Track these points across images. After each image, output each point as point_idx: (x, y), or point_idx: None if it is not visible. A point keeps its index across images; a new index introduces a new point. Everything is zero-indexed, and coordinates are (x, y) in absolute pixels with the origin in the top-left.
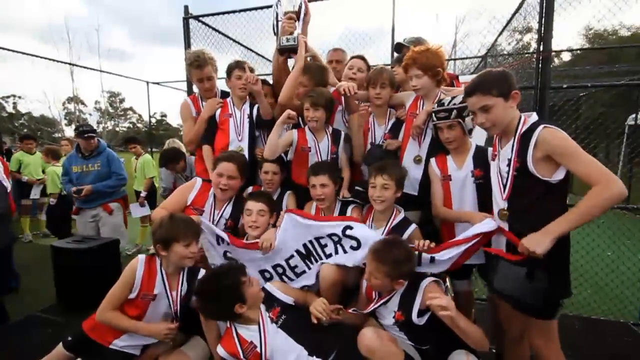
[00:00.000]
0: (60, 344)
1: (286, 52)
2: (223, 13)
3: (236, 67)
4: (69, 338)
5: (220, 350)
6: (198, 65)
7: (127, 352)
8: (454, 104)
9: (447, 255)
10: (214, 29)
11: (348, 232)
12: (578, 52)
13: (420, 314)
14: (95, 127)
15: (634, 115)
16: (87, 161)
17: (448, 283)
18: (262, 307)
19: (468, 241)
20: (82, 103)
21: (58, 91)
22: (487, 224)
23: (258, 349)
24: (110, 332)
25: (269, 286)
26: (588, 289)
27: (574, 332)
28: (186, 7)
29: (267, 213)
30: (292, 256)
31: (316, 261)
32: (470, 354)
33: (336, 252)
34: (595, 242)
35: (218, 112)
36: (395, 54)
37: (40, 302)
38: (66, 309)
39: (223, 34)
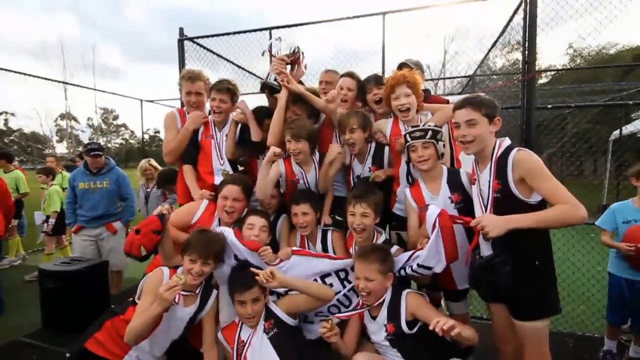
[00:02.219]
0: None
1: (267, 89)
2: (217, 35)
3: (213, 87)
4: (68, 355)
5: (219, 335)
6: (190, 77)
7: None
8: (429, 125)
9: (431, 257)
10: (207, 49)
11: None
12: (561, 71)
13: (409, 324)
14: (99, 144)
15: (617, 132)
16: (96, 178)
17: (443, 305)
18: (263, 315)
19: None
20: (75, 120)
21: (50, 108)
22: (432, 210)
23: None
24: (122, 346)
25: (270, 303)
26: (581, 305)
27: (568, 349)
28: (181, 29)
29: (268, 231)
30: None
31: None
32: None
33: (343, 287)
34: (586, 257)
35: (201, 129)
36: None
37: (26, 326)
38: (51, 334)
39: (216, 54)
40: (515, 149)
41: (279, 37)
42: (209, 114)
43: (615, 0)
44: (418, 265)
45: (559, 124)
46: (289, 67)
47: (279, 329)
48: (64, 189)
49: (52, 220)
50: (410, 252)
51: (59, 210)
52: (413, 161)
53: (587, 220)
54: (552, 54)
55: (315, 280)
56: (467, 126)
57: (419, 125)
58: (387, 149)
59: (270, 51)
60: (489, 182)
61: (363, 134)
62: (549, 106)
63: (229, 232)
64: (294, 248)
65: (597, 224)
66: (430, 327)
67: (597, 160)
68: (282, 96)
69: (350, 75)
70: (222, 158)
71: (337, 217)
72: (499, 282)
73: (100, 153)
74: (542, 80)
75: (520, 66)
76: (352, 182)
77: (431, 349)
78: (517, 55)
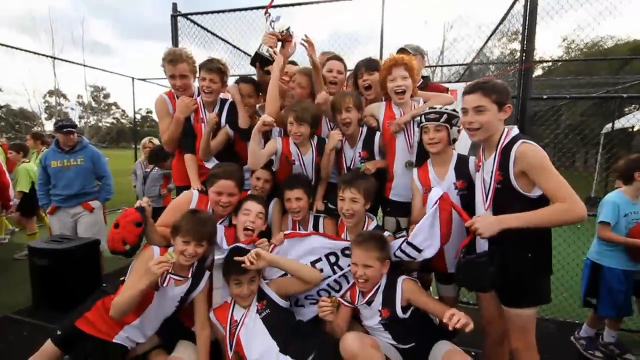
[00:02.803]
0: (49, 340)
1: (258, 60)
2: (212, 12)
3: (202, 67)
4: (58, 332)
5: (211, 314)
6: (171, 60)
7: (125, 345)
8: (446, 109)
9: (421, 234)
10: (201, 27)
11: (347, 252)
12: (557, 63)
13: (403, 309)
14: (77, 122)
15: (609, 125)
16: (69, 155)
17: (431, 289)
18: (255, 296)
19: (430, 215)
20: (64, 97)
21: (39, 84)
22: (435, 192)
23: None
24: (112, 325)
25: (263, 284)
26: (564, 292)
27: (550, 336)
28: (174, 5)
29: (264, 218)
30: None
31: None
32: (452, 344)
33: (333, 272)
34: (571, 247)
35: (193, 115)
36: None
37: (15, 303)
38: (42, 311)
39: (211, 32)
40: (520, 141)
41: (278, 17)
42: (198, 94)
43: None
44: (407, 243)
45: (552, 116)
46: (279, 44)
47: (271, 309)
48: None
49: (16, 200)
50: (402, 239)
51: (26, 190)
52: (424, 142)
53: None
54: (546, 46)
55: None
56: (475, 113)
57: (435, 108)
58: (377, 135)
59: (272, 23)
60: (492, 171)
61: (357, 113)
62: (544, 96)
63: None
64: (286, 232)
65: (603, 220)
66: (444, 321)
67: (588, 153)
68: (275, 67)
69: (338, 58)
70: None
71: (330, 205)
72: (481, 281)
73: (73, 130)
74: (538, 72)
75: (517, 56)
76: (344, 166)
77: (420, 331)
78: (515, 45)
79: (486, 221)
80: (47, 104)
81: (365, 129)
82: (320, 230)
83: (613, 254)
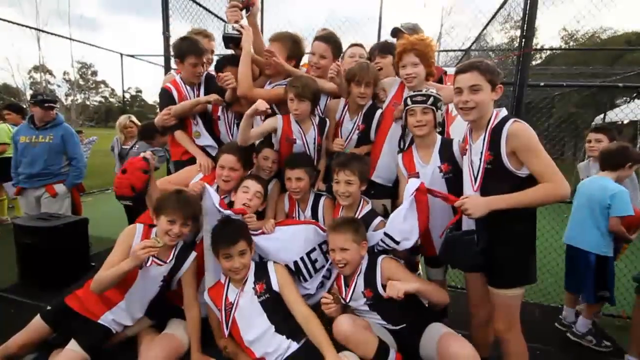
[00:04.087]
0: (38, 315)
1: (229, 42)
2: None
3: (193, 53)
4: (48, 308)
5: (205, 295)
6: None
7: (110, 328)
8: (431, 92)
9: (395, 225)
10: (195, 1)
11: None
12: (555, 52)
13: (384, 287)
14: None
15: (601, 116)
16: (38, 132)
17: (420, 271)
18: (252, 276)
19: (405, 207)
20: (50, 73)
21: (23, 58)
22: (412, 183)
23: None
24: (99, 305)
25: (270, 264)
26: (549, 278)
27: (534, 319)
28: None
29: (262, 198)
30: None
31: (305, 280)
32: (446, 327)
33: (326, 261)
34: (559, 234)
35: (175, 95)
36: (380, 41)
37: (1, 281)
38: (29, 289)
39: (203, 6)
40: (512, 119)
41: None
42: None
43: None
44: (385, 234)
45: (546, 106)
46: (244, 12)
47: (271, 295)
48: None
49: None
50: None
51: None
52: (410, 125)
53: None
54: (544, 37)
55: (302, 259)
56: (470, 92)
57: (421, 90)
58: (378, 112)
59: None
60: (481, 152)
61: (372, 89)
62: (541, 84)
63: (213, 195)
64: (278, 220)
65: (621, 214)
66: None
67: (578, 144)
68: (245, 43)
69: (325, 39)
70: (195, 119)
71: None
72: (466, 259)
73: (55, 105)
74: (536, 61)
75: (516, 43)
76: (339, 134)
77: (408, 311)
78: (513, 33)
79: (475, 202)
80: (32, 80)
81: (370, 102)
82: (320, 210)
83: (612, 243)
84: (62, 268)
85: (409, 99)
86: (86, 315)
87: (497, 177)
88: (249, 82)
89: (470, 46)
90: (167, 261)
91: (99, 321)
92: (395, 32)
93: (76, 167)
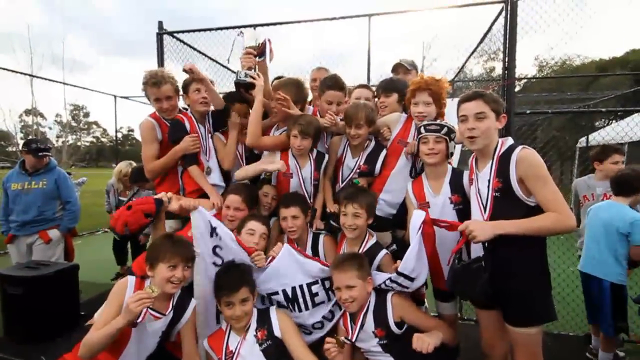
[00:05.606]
0: None
1: (241, 87)
2: (197, 30)
3: (193, 80)
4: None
5: (205, 343)
6: (154, 83)
7: None
8: (445, 123)
9: (410, 263)
10: (188, 45)
11: None
12: (531, 80)
13: (398, 325)
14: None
15: (584, 138)
16: (31, 178)
17: (427, 304)
18: (254, 323)
19: (416, 242)
20: (42, 116)
21: (15, 103)
22: (417, 215)
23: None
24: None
25: (272, 310)
26: (556, 304)
27: (547, 349)
28: (160, 23)
29: (267, 238)
30: (276, 293)
31: (300, 310)
32: None
33: (328, 298)
34: (561, 258)
35: (187, 125)
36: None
37: None
38: (16, 344)
39: (197, 49)
40: (520, 146)
41: (241, 32)
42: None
43: (579, 13)
44: (398, 273)
45: (528, 130)
46: (258, 59)
47: (272, 341)
48: None
49: None
50: (387, 273)
51: None
52: (421, 153)
53: None
54: (521, 65)
55: (302, 287)
56: (476, 119)
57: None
58: (384, 152)
59: (232, 49)
60: (489, 180)
61: (368, 129)
62: (527, 111)
63: (225, 232)
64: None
65: None
66: (414, 346)
67: (563, 165)
68: (257, 91)
69: (340, 87)
70: (207, 154)
71: (332, 223)
72: (475, 287)
73: (48, 154)
74: (516, 88)
75: (497, 74)
76: (340, 173)
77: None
78: (493, 64)
79: (480, 225)
80: (23, 123)
81: (373, 143)
82: (320, 248)
83: (625, 271)
84: (51, 319)
85: (422, 128)
86: None
87: (506, 206)
88: (259, 133)
89: (454, 78)
90: (167, 313)
91: None
92: (396, 68)
93: (70, 210)
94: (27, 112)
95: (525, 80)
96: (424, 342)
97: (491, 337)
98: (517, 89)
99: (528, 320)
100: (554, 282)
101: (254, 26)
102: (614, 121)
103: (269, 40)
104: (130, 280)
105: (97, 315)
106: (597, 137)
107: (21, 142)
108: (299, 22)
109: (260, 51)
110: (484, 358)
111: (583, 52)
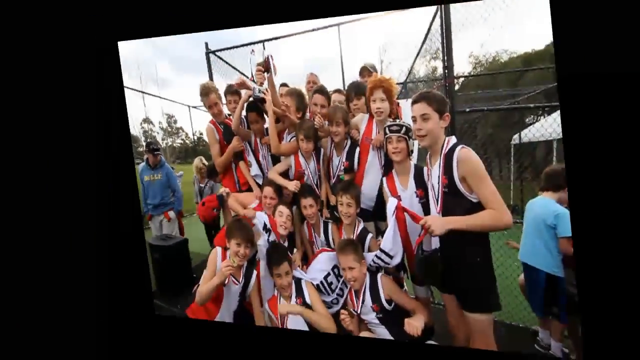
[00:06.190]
0: None
1: (258, 102)
2: (229, 48)
3: (228, 92)
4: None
5: (266, 305)
6: (203, 94)
7: None
8: (404, 123)
9: (388, 242)
10: (225, 61)
11: None
12: (469, 77)
13: (387, 302)
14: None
15: (516, 137)
16: (154, 171)
17: (406, 287)
18: (294, 292)
19: (392, 225)
20: (151, 123)
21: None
22: (391, 202)
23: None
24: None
25: (303, 282)
26: (507, 296)
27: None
28: (206, 44)
29: (292, 220)
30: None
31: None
32: None
33: (338, 282)
34: (507, 253)
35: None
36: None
37: None
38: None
39: (232, 66)
40: (460, 146)
41: (252, 50)
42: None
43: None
44: (380, 250)
45: (469, 128)
46: (266, 74)
47: (306, 307)
48: None
49: None
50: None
51: None
52: (388, 152)
53: None
54: (459, 63)
55: (322, 282)
56: (422, 120)
57: (396, 120)
58: (357, 149)
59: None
60: (439, 176)
61: (345, 128)
62: (467, 109)
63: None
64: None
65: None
66: (405, 329)
67: (501, 162)
68: (267, 106)
69: (324, 92)
70: (247, 148)
71: (336, 213)
72: (435, 276)
73: (159, 152)
74: (456, 87)
75: (436, 73)
76: (331, 170)
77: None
78: (436, 64)
79: (436, 220)
80: (143, 129)
81: (349, 141)
82: (329, 234)
83: (561, 264)
84: (176, 278)
85: (387, 128)
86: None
87: (453, 201)
88: (276, 143)
89: (405, 80)
90: (240, 280)
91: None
92: (362, 71)
93: (177, 197)
94: (144, 120)
95: (463, 78)
96: (413, 327)
97: (454, 319)
98: (456, 87)
99: (476, 307)
100: (504, 274)
101: (263, 42)
102: (542, 117)
103: (270, 56)
104: (218, 250)
105: (202, 277)
106: (529, 134)
107: (144, 144)
108: (276, 38)
109: (266, 67)
110: (452, 337)
111: (510, 47)
